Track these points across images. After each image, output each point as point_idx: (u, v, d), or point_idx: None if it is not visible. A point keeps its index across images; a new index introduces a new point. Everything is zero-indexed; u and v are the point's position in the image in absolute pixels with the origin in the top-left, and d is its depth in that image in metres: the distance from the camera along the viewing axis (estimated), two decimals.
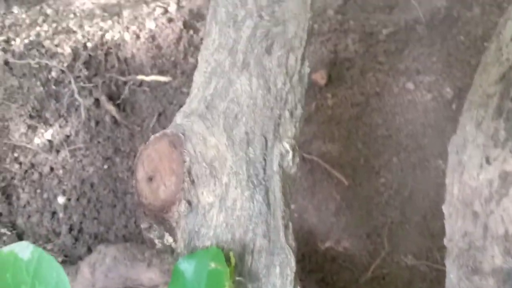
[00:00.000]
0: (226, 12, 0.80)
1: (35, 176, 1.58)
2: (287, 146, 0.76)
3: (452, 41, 1.77)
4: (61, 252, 1.56)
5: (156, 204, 0.74)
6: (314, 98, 1.70)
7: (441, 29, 1.78)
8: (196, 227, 0.73)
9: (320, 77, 1.70)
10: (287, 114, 0.78)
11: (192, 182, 0.73)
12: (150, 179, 0.77)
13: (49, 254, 0.57)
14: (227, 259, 0.69)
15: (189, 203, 0.72)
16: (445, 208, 0.93)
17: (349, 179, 1.65)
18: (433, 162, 1.64)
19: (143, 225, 0.79)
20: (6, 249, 0.58)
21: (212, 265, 0.63)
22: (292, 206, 1.67)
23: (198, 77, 0.83)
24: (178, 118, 0.79)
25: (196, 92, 0.81)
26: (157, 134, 0.79)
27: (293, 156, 0.77)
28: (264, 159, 0.74)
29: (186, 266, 0.68)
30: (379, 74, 1.73)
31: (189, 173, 0.73)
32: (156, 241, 0.77)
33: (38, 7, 1.79)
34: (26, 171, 1.58)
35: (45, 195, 1.58)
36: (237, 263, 0.70)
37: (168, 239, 0.76)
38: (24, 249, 0.58)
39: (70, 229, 1.56)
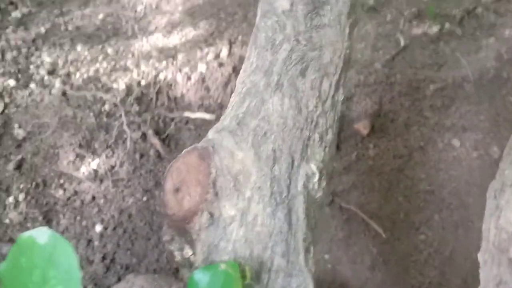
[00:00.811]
0: (265, 36, 0.83)
1: (77, 203, 1.62)
2: (314, 168, 0.75)
3: (500, 101, 1.72)
4: (92, 280, 1.57)
5: (180, 214, 0.74)
6: (355, 148, 1.68)
7: (489, 89, 1.75)
8: (216, 240, 0.72)
9: (363, 127, 1.69)
10: (316, 137, 0.77)
11: (216, 194, 0.72)
12: (177, 190, 0.77)
13: (66, 240, 0.57)
14: (243, 274, 0.67)
15: (211, 214, 0.72)
16: (480, 256, 0.87)
17: (387, 232, 1.58)
18: (477, 223, 1.55)
19: (166, 237, 0.79)
20: (26, 233, 0.59)
21: (222, 266, 0.61)
22: (326, 256, 1.62)
23: (233, 98, 0.84)
24: (210, 134, 0.81)
25: (229, 111, 0.82)
26: (189, 148, 0.80)
27: (320, 179, 0.75)
28: (289, 178, 0.73)
29: (201, 277, 0.67)
30: (424, 128, 1.70)
31: (214, 184, 0.73)
32: (176, 253, 0.76)
33: (100, 46, 1.91)
34: (69, 198, 1.63)
35: (84, 223, 1.61)
36: (253, 279, 0.68)
37: (188, 251, 0.74)
38: (42, 234, 0.58)
39: (103, 258, 1.57)
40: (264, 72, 0.80)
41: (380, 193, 1.61)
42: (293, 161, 0.74)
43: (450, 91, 1.76)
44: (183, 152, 0.81)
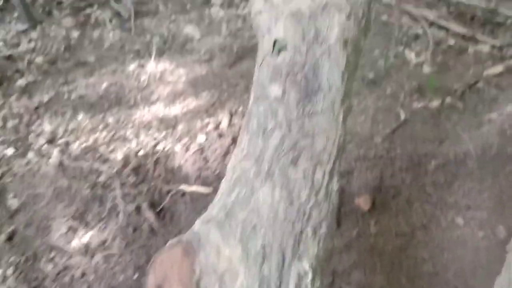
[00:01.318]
0: (257, 122, 0.79)
1: (66, 279, 1.54)
2: (307, 267, 0.68)
3: (504, 179, 1.66)
4: None
5: None
6: (356, 224, 1.61)
7: (493, 165, 1.69)
8: None
9: (364, 202, 1.62)
10: (309, 230, 0.71)
11: None
12: (159, 287, 0.70)
13: None
14: None
15: None
16: None
17: None
18: None
19: None
20: None
21: None
22: None
23: (223, 184, 0.79)
24: (197, 225, 0.75)
25: (218, 199, 0.77)
26: (173, 240, 0.74)
27: (313, 279, 0.69)
28: (280, 279, 0.67)
29: None
30: (426, 205, 1.63)
31: (198, 285, 0.66)
32: None
33: (101, 115, 1.90)
34: (58, 273, 1.54)
35: None
36: None
37: None
38: None
39: None
40: (255, 159, 0.76)
41: (382, 274, 1.52)
42: (284, 259, 0.68)
43: (452, 167, 1.71)
44: (167, 244, 0.75)
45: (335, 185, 0.77)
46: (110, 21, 2.46)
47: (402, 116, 1.93)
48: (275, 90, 0.76)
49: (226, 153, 1.77)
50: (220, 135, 1.82)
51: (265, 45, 0.81)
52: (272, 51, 0.77)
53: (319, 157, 0.75)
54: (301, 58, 0.76)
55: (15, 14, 2.42)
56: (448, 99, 2.06)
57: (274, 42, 0.77)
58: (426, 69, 2.26)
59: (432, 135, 1.85)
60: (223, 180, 0.82)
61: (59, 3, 2.53)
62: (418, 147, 1.79)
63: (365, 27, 0.84)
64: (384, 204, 1.64)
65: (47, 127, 1.83)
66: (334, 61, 0.77)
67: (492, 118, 1.91)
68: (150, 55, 2.24)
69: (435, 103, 2.03)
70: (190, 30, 2.44)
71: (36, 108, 1.91)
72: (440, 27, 2.51)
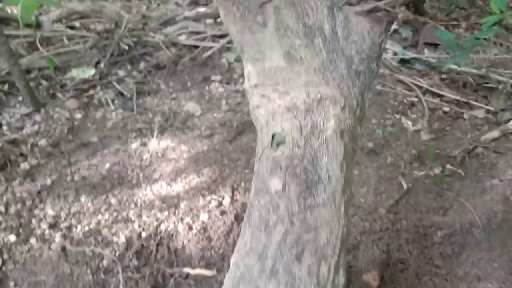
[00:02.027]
0: (259, 216, 0.78)
1: None
2: None
3: None
4: None
5: None
6: None
7: (499, 234, 1.66)
8: None
9: (372, 278, 1.58)
10: None
11: None
12: None
13: None
14: None
15: None
16: None
17: None
18: None
19: None
20: None
21: None
22: None
23: (227, 282, 0.77)
24: None
25: None
26: None
27: None
28: None
29: None
30: (436, 278, 1.59)
31: None
32: None
33: (103, 196, 1.89)
34: None
35: None
36: None
37: None
38: None
39: None
40: (258, 256, 0.74)
41: None
42: None
43: (459, 237, 1.68)
44: None
45: (341, 279, 0.75)
46: (113, 101, 2.51)
47: (405, 186, 1.92)
48: (275, 183, 0.76)
49: (229, 231, 1.74)
50: (223, 212, 1.80)
51: (263, 138, 0.82)
52: (271, 145, 0.78)
53: (323, 250, 0.73)
54: (299, 151, 0.76)
55: (20, 98, 2.48)
56: (449, 166, 2.06)
57: (273, 137, 0.78)
58: (424, 136, 2.28)
59: (436, 204, 1.84)
60: (226, 276, 0.80)
61: (63, 86, 2.59)
62: (423, 217, 1.77)
63: (361, 115, 0.85)
64: (393, 279, 1.59)
65: (49, 211, 1.82)
66: (332, 152, 0.77)
67: (494, 185, 1.90)
68: (152, 133, 2.27)
69: (436, 171, 2.03)
70: (190, 107, 2.49)
71: (39, 192, 1.91)
72: (434, 94, 2.56)
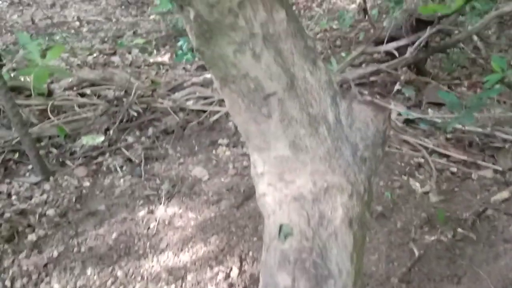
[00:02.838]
0: None
1: None
2: None
3: None
4: None
5: None
6: None
7: None
8: None
9: None
10: None
11: None
12: None
13: None
14: None
15: None
16: None
17: None
18: None
19: None
20: None
21: None
22: None
23: None
24: None
25: None
26: None
27: None
28: None
29: None
30: None
31: None
32: None
33: (110, 268, 1.85)
34: None
35: None
36: None
37: None
38: None
39: None
40: None
41: None
42: None
43: None
44: None
45: None
46: (121, 167, 2.52)
47: (416, 252, 1.87)
48: (284, 279, 0.73)
49: None
50: (231, 285, 1.75)
51: (270, 226, 0.80)
52: (279, 236, 0.76)
53: None
54: (308, 243, 0.74)
55: (30, 166, 2.49)
56: (460, 230, 2.01)
57: (280, 228, 0.76)
58: (433, 198, 2.24)
59: (449, 272, 1.78)
60: None
61: (72, 153, 2.61)
62: (437, 286, 1.71)
63: (368, 200, 0.83)
64: None
65: (56, 285, 1.78)
66: (341, 243, 0.75)
67: (507, 249, 1.84)
68: (159, 200, 2.25)
69: (447, 235, 1.98)
70: (198, 171, 2.48)
71: (46, 264, 1.88)
72: (441, 155, 2.54)
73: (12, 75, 3.17)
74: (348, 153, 0.80)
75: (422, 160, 2.51)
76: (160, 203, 2.23)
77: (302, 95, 0.79)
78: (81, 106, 2.97)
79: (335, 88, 0.81)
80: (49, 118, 2.80)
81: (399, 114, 2.87)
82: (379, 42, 3.13)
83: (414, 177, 2.41)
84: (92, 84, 3.25)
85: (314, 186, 0.77)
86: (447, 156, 2.53)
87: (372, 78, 3.20)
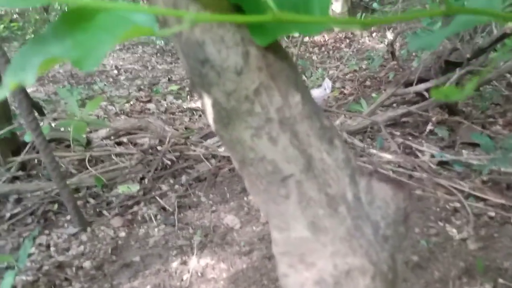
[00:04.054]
0: None
1: None
2: None
3: None
4: None
5: None
6: None
7: None
8: None
9: None
10: None
11: None
12: None
13: None
14: None
15: None
16: None
17: None
18: None
19: None
20: None
21: None
22: None
23: None
24: None
25: None
26: None
27: None
28: None
29: None
30: None
31: None
32: None
33: None
34: None
35: None
36: None
37: None
38: None
39: None
40: None
41: None
42: None
43: None
44: None
45: None
46: (156, 216, 2.55)
47: None
48: None
49: None
50: None
51: None
52: None
53: None
54: None
55: (68, 217, 2.55)
56: (501, 281, 1.91)
57: None
58: (471, 245, 2.15)
59: None
60: None
61: (109, 203, 2.67)
62: None
63: (393, 278, 0.80)
64: None
65: None
66: None
67: None
68: (192, 251, 2.25)
69: (487, 287, 1.89)
70: (230, 220, 2.48)
71: None
72: (478, 198, 2.45)
73: (53, 125, 3.30)
74: (369, 232, 0.78)
75: (458, 205, 2.43)
76: (193, 254, 2.24)
77: (320, 176, 0.78)
78: (117, 155, 3.05)
79: (353, 165, 0.80)
80: (87, 168, 2.88)
81: (433, 156, 2.80)
82: (408, 83, 3.10)
83: (450, 223, 2.33)
84: (129, 132, 3.34)
85: (335, 269, 0.76)
86: (484, 200, 2.44)
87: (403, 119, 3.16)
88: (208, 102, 0.75)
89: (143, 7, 0.57)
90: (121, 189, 2.74)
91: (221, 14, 0.69)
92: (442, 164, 2.77)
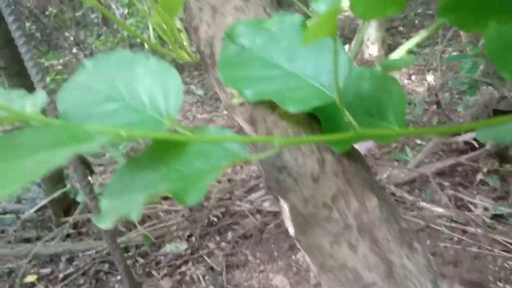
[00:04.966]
0: None
1: None
2: None
3: None
4: None
5: None
6: None
7: None
8: None
9: None
10: None
11: None
12: None
13: None
14: None
15: None
16: None
17: None
18: None
19: None
20: None
21: None
22: None
23: None
24: None
25: None
26: None
27: None
28: None
29: None
30: None
31: None
32: None
33: None
34: None
35: None
36: None
37: None
38: None
39: None
40: None
41: None
42: None
43: None
44: None
45: None
46: (204, 276, 2.53)
47: None
48: None
49: None
50: None
51: None
52: None
53: None
54: None
55: (118, 277, 2.57)
56: None
57: None
58: None
59: None
60: None
61: (158, 263, 2.67)
62: None
63: None
64: None
65: None
66: None
67: None
68: None
69: None
70: (279, 281, 2.44)
71: None
72: None
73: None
74: None
75: None
76: None
77: (402, 283, 0.75)
78: (165, 212, 3.08)
79: (434, 270, 0.77)
80: (135, 226, 2.92)
81: (486, 209, 2.70)
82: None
83: (510, 283, 2.21)
84: None
85: None
86: None
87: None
88: (285, 207, 0.75)
89: (236, 137, 0.58)
90: (169, 247, 2.75)
91: (306, 136, 0.70)
92: (496, 217, 2.66)
